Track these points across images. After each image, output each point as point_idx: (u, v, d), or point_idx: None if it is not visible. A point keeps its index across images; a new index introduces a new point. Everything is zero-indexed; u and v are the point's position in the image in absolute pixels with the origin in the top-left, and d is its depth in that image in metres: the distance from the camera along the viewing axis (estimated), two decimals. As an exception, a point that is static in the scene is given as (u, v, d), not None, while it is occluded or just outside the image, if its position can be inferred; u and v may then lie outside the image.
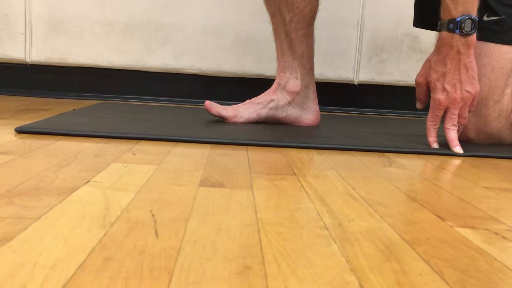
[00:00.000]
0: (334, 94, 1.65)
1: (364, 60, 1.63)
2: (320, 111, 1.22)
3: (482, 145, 1.04)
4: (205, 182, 0.62)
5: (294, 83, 1.17)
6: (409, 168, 0.80)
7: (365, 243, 0.44)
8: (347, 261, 0.40)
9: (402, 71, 1.64)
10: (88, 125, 0.99)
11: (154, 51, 1.60)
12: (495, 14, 1.01)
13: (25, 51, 1.57)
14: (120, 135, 0.89)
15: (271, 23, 1.17)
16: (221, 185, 0.61)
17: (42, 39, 1.57)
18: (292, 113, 1.18)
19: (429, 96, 1.00)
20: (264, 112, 1.16)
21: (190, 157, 0.77)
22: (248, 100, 1.17)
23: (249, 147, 0.89)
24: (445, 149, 0.95)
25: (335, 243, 0.44)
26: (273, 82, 1.20)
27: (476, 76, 0.96)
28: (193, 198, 0.55)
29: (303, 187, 0.63)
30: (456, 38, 0.93)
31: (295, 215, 0.51)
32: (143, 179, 0.62)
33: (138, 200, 0.53)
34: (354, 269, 0.38)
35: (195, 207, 0.51)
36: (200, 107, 1.45)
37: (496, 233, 0.49)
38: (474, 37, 0.93)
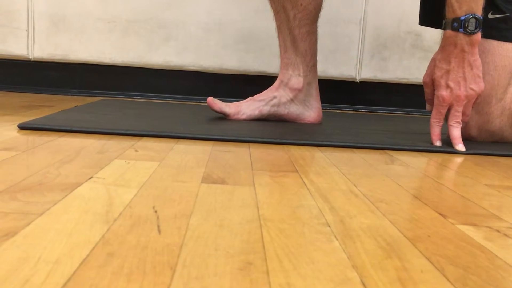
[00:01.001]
0: (336, 92, 1.65)
1: (366, 57, 1.63)
2: (322, 109, 1.22)
3: (484, 143, 1.04)
4: (207, 179, 0.62)
5: (297, 80, 1.17)
6: (411, 165, 0.80)
7: (367, 240, 0.44)
8: (348, 258, 0.40)
9: (405, 69, 1.63)
10: (91, 121, 0.99)
11: (157, 48, 1.60)
12: (500, 11, 1.01)
13: (27, 48, 1.57)
14: (122, 131, 0.89)
15: (274, 20, 1.17)
16: (223, 181, 0.62)
17: (45, 35, 1.57)
18: (294, 110, 1.18)
19: None
20: (266, 109, 1.16)
21: (193, 154, 0.77)
22: (251, 97, 1.18)
23: (251, 144, 0.89)
24: (447, 146, 0.95)
25: (337, 239, 0.44)
26: (276, 79, 1.20)
27: (481, 75, 0.96)
28: (195, 194, 0.55)
29: (305, 184, 0.63)
30: (460, 37, 0.93)
31: (297, 212, 0.51)
32: (145, 175, 0.62)
33: (141, 196, 0.53)
34: (355, 266, 0.38)
35: (198, 204, 0.52)
36: (202, 104, 1.45)
37: (498, 231, 0.50)
38: (478, 35, 0.93)
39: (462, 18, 0.92)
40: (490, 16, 1.01)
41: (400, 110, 1.66)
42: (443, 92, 0.96)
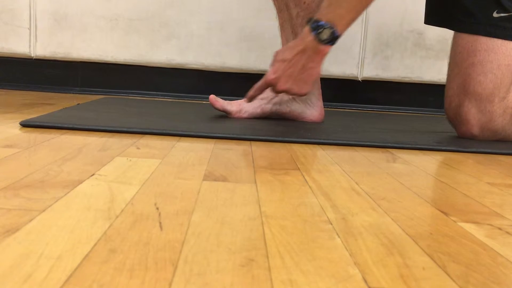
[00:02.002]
0: (338, 90, 1.65)
1: (368, 56, 1.63)
2: (324, 107, 1.22)
3: (486, 141, 1.04)
4: (209, 176, 0.62)
5: (298, 78, 1.16)
6: (412, 163, 0.80)
7: (369, 237, 0.44)
8: (350, 255, 0.40)
9: (407, 68, 1.63)
10: (93, 119, 0.99)
11: (158, 47, 1.60)
12: (505, 10, 1.00)
13: (29, 46, 1.58)
14: (124, 129, 0.89)
15: (277, 18, 1.17)
16: (225, 179, 0.62)
17: (47, 33, 1.57)
18: (296, 108, 1.18)
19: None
20: (268, 107, 1.16)
21: (194, 152, 0.77)
22: (252, 96, 1.17)
23: (253, 142, 0.89)
24: (448, 145, 0.95)
25: (339, 237, 0.44)
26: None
27: (309, 82, 1.02)
28: (197, 191, 0.55)
29: (306, 181, 0.63)
30: (310, 38, 0.97)
31: (298, 209, 0.51)
32: (147, 172, 0.62)
33: (143, 193, 0.53)
34: (357, 263, 0.38)
35: (199, 201, 0.52)
36: (204, 102, 1.45)
37: (500, 228, 0.49)
38: (326, 49, 0.97)
39: (321, 23, 0.95)
40: (495, 15, 1.00)
41: (402, 108, 1.66)
42: (271, 74, 1.02)
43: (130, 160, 0.68)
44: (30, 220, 0.42)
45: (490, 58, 1.01)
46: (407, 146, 0.93)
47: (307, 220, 0.48)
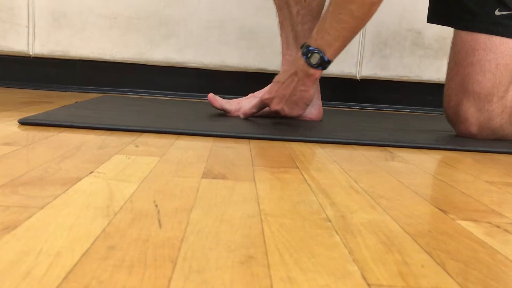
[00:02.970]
0: (337, 89, 1.65)
1: (367, 55, 1.63)
2: (323, 106, 1.22)
3: (485, 140, 1.04)
4: (208, 174, 0.62)
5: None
6: (411, 162, 0.80)
7: (368, 235, 0.44)
8: (349, 252, 0.40)
9: (405, 67, 1.63)
10: (91, 117, 0.99)
11: (157, 45, 1.60)
12: (507, 8, 1.00)
13: (28, 44, 1.57)
14: (123, 127, 0.89)
15: (277, 16, 1.17)
16: (223, 177, 0.62)
17: (45, 32, 1.57)
18: (295, 107, 1.18)
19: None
20: (267, 106, 1.16)
21: (193, 150, 0.77)
22: (251, 94, 1.17)
23: (251, 140, 0.89)
24: (447, 144, 0.95)
25: (338, 234, 0.44)
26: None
27: (300, 105, 1.06)
28: (196, 189, 0.55)
29: (305, 180, 0.63)
30: (301, 62, 1.01)
31: (297, 207, 0.51)
32: (146, 170, 0.62)
33: (141, 191, 0.53)
34: (356, 260, 0.38)
35: (198, 198, 0.52)
36: (202, 101, 1.45)
37: (498, 226, 0.50)
38: (317, 73, 1.01)
39: (311, 48, 0.99)
40: (497, 13, 1.00)
41: (401, 107, 1.66)
42: (266, 94, 1.06)
43: (129, 158, 0.68)
44: (29, 217, 0.42)
45: (488, 57, 1.01)
46: (406, 144, 0.93)
47: (306, 218, 0.48)
